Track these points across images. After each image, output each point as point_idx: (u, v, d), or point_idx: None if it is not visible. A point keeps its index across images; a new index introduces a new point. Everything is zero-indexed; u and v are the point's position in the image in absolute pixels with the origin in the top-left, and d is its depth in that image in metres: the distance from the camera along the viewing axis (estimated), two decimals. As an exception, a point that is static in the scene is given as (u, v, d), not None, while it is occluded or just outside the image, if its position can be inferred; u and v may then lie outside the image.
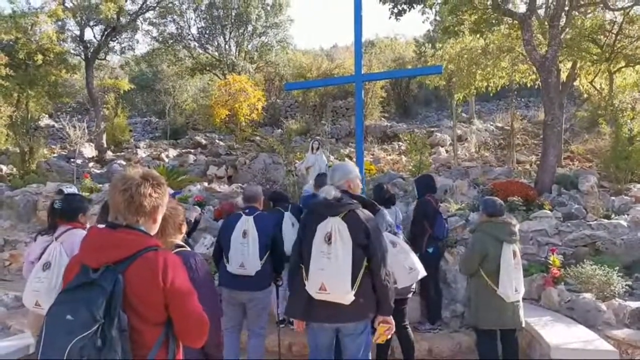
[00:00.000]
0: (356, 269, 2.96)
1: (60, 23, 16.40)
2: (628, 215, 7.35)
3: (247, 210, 4.34)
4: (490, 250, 4.07)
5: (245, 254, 4.09)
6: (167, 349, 1.85)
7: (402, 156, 15.00)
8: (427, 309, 5.78)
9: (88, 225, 3.97)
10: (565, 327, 4.82)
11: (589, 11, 11.89)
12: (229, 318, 4.30)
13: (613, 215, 7.40)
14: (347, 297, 2.94)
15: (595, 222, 7.00)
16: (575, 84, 13.92)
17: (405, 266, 4.07)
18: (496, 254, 4.04)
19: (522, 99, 23.24)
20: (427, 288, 5.70)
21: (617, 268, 5.53)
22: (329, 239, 2.99)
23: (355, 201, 3.18)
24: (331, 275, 2.93)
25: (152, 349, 1.78)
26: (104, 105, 19.95)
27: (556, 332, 4.67)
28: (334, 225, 3.01)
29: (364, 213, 3.13)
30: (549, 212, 7.37)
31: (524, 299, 4.36)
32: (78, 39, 17.41)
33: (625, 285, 5.42)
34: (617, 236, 6.49)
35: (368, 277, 3.06)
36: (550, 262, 5.74)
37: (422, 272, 4.13)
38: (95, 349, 1.58)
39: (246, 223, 4.20)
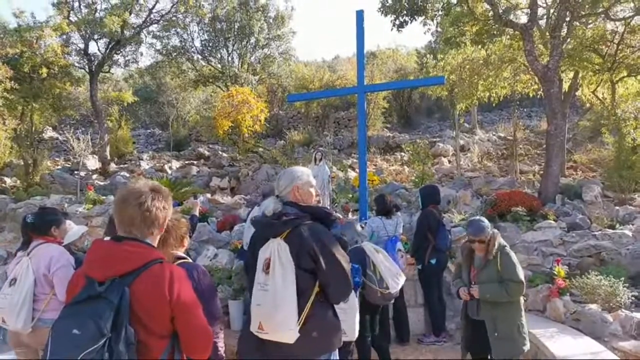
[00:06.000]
0: (303, 299, 2.40)
1: (65, 37, 16.49)
2: (633, 225, 7.32)
3: None
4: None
5: None
6: (172, 361, 1.84)
7: (405, 167, 15.00)
8: (431, 321, 5.74)
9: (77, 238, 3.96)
10: (572, 339, 4.79)
11: (590, 21, 11.92)
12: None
13: (617, 225, 7.37)
14: (288, 335, 2.36)
15: (599, 232, 6.97)
16: (577, 93, 13.94)
17: (394, 271, 4.19)
18: None
19: (525, 109, 23.27)
20: (431, 300, 5.67)
21: (623, 278, 5.49)
22: (267, 268, 2.43)
23: (302, 214, 2.52)
24: (268, 312, 2.37)
25: (158, 362, 1.77)
26: (108, 118, 20.04)
27: (562, 343, 4.64)
28: (274, 249, 2.44)
29: (311, 229, 2.48)
30: (553, 222, 7.35)
31: (529, 310, 4.34)
32: (82, 52, 17.55)
33: (632, 296, 5.38)
34: (622, 246, 6.44)
35: (322, 305, 2.49)
36: (555, 272, 5.71)
37: (403, 277, 4.37)
38: (102, 364, 1.58)
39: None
